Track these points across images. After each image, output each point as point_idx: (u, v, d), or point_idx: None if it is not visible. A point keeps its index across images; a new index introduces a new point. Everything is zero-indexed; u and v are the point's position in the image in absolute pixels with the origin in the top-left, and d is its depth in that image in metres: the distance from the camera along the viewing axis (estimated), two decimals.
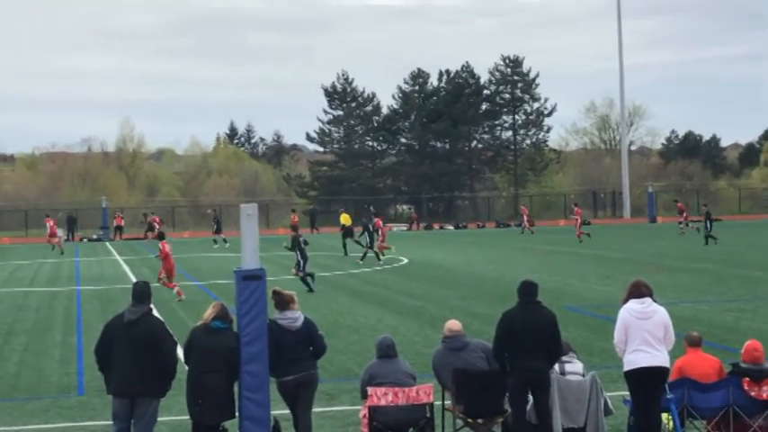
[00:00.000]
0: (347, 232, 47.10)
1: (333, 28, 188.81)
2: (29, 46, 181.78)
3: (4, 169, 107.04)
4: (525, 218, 65.49)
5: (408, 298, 27.73)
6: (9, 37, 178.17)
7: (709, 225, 47.76)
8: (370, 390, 11.33)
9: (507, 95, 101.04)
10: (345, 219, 48.23)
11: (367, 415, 11.29)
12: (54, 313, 26.33)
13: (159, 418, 11.45)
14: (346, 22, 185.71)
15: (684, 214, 58.50)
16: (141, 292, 11.38)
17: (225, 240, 55.08)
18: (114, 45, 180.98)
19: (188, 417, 11.38)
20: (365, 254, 41.56)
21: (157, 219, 65.12)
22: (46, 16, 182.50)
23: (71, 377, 17.26)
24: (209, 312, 11.41)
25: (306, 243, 30.41)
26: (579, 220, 56.41)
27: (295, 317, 11.77)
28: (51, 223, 56.67)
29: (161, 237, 30.19)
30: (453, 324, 12.26)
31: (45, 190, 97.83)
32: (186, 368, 11.33)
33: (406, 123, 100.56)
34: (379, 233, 42.10)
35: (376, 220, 43.00)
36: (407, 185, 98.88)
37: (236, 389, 11.27)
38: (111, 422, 11.35)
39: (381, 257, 41.27)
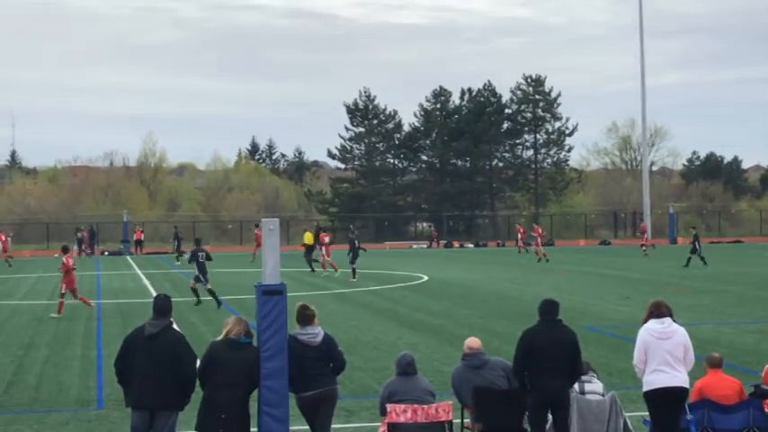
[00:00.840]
0: (308, 250, 47.56)
1: (355, 46, 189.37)
2: (53, 61, 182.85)
3: (26, 182, 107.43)
4: (520, 236, 65.88)
5: (428, 315, 27.69)
6: (33, 53, 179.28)
7: (698, 246, 47.75)
8: (389, 407, 11.32)
9: (529, 114, 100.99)
10: (308, 238, 48.70)
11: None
12: (74, 326, 26.39)
13: None
14: (369, 39, 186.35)
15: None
16: (162, 306, 11.41)
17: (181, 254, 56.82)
18: (138, 60, 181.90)
19: None
20: (354, 270, 42.00)
21: (86, 233, 65.13)
22: (70, 32, 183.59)
23: (91, 390, 17.30)
24: (230, 327, 11.39)
25: (209, 258, 31.23)
26: (540, 240, 56.80)
27: (315, 332, 11.78)
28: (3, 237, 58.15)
29: (65, 250, 30.16)
30: (473, 342, 12.24)
31: (67, 203, 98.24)
32: (199, 382, 11.30)
33: (428, 141, 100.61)
34: (324, 249, 44.31)
35: (322, 234, 45.36)
36: (428, 203, 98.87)
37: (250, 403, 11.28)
38: None
39: (317, 269, 43.72)
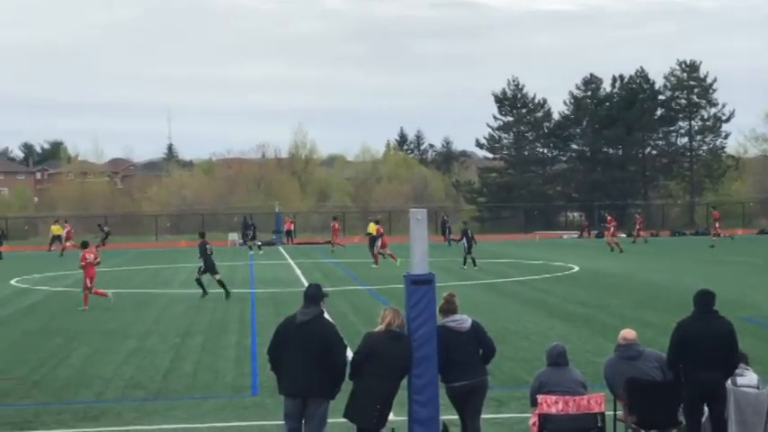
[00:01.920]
0: (372, 241, 47.52)
1: (503, 34, 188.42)
2: (206, 56, 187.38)
3: (182, 175, 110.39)
4: (638, 226, 64.86)
5: (579, 306, 27.35)
6: (185, 48, 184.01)
7: None
8: (539, 398, 11.21)
9: (683, 101, 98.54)
10: (372, 228, 48.58)
11: (537, 423, 11.17)
12: (229, 315, 26.97)
13: (330, 420, 11.54)
14: (517, 27, 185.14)
15: None
16: (313, 295, 11.52)
17: (259, 247, 58.26)
18: (287, 53, 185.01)
19: None
20: (465, 259, 42.36)
21: (69, 226, 65.55)
22: (220, 27, 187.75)
23: (245, 378, 17.64)
24: (389, 318, 11.39)
25: (211, 253, 31.77)
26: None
27: (463, 318, 11.79)
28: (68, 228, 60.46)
29: (84, 245, 30.57)
30: (628, 333, 12.01)
31: (221, 195, 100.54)
32: (350, 371, 11.37)
33: (578, 129, 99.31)
34: (380, 241, 44.73)
35: (377, 227, 45.57)
36: (578, 193, 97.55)
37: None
38: (283, 422, 11.54)
39: (375, 264, 43.57)
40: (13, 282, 38.71)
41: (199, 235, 34.70)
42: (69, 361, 19.67)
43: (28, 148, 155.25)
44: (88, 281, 28.98)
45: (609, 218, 57.20)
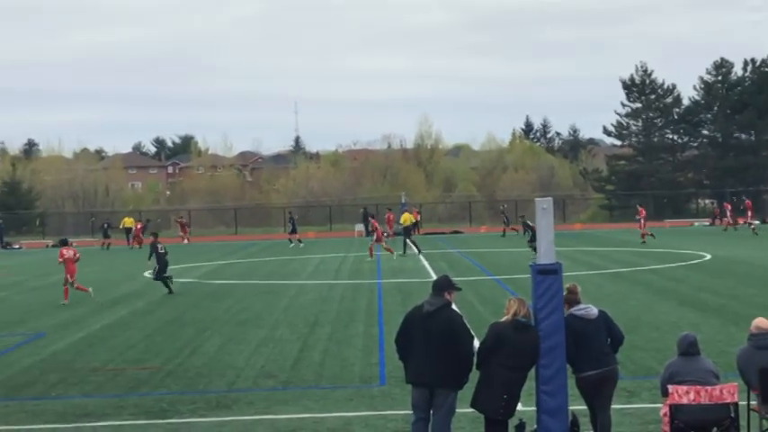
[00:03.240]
0: (407, 231, 47.02)
1: (631, 19, 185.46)
2: (329, 49, 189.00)
3: (309, 167, 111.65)
4: (729, 213, 62.77)
5: (711, 295, 26.79)
6: (311, 41, 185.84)
7: None
8: (671, 388, 11.03)
9: None
10: (406, 218, 48.08)
11: (668, 413, 11.01)
12: (356, 305, 27.18)
13: (458, 410, 11.56)
14: (645, 13, 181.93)
15: None
16: (440, 285, 11.53)
17: (300, 241, 58.25)
18: (411, 44, 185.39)
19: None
20: (534, 248, 41.63)
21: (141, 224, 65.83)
22: (345, 19, 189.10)
23: (373, 367, 17.75)
24: (516, 308, 11.34)
25: (165, 252, 31.91)
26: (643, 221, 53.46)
27: (589, 307, 11.71)
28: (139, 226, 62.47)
29: (63, 243, 31.79)
30: (762, 321, 11.72)
31: (348, 186, 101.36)
32: (477, 360, 11.36)
33: (709, 115, 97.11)
34: (375, 235, 45.09)
35: (372, 221, 46.14)
36: (710, 179, 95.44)
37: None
38: (411, 411, 11.60)
39: (370, 258, 43.73)
40: (146, 274, 39.72)
41: (151, 235, 35.38)
42: (202, 351, 20.10)
43: (160, 143, 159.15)
44: (68, 276, 29.91)
45: (640, 209, 55.30)
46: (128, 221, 67.94)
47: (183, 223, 71.34)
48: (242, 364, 18.45)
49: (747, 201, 65.19)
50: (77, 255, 30.74)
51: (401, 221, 48.98)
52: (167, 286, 31.43)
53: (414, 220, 48.34)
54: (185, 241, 65.88)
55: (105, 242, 63.43)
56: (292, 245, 57.31)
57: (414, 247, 46.78)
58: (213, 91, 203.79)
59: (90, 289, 30.31)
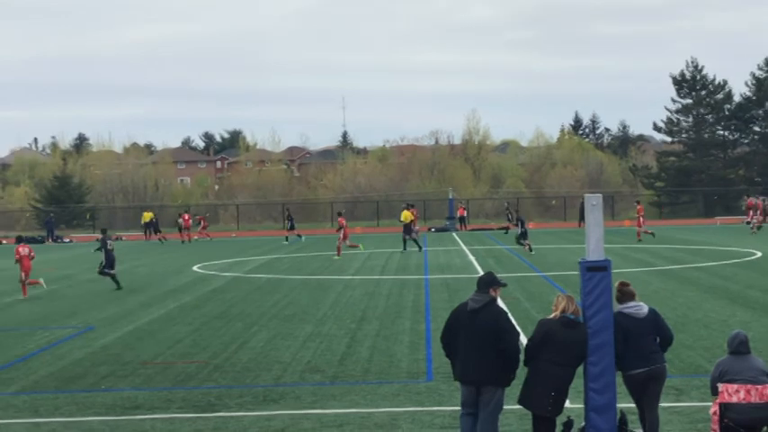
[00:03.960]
0: (406, 229, 47.25)
1: (681, 15, 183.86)
2: (377, 44, 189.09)
3: (356, 162, 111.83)
4: (760, 211, 61.41)
5: (762, 293, 26.47)
6: (358, 36, 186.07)
7: None
8: (720, 386, 10.95)
9: None
10: (405, 216, 47.69)
11: (717, 412, 10.92)
12: (403, 300, 27.18)
13: (506, 407, 11.53)
14: (696, 8, 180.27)
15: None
16: (486, 281, 11.50)
17: (299, 236, 59.25)
18: (459, 39, 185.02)
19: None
20: (529, 246, 43.25)
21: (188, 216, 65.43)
22: (392, 15, 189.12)
23: (420, 363, 17.74)
24: (564, 304, 11.31)
25: (112, 249, 32.61)
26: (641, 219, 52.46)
27: (640, 305, 11.63)
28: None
29: (18, 240, 33.45)
30: None
31: (395, 181, 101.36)
32: (524, 357, 11.36)
33: (760, 111, 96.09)
34: (342, 233, 45.00)
35: (339, 219, 46.13)
36: (762, 176, 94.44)
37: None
38: (458, 408, 11.57)
39: (337, 256, 43.96)
40: (195, 268, 39.99)
41: (100, 231, 35.89)
42: (250, 345, 20.20)
43: (208, 138, 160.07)
44: (23, 274, 30.85)
45: (639, 206, 54.02)
46: (147, 216, 68.69)
47: (201, 218, 71.54)
48: (289, 358, 18.51)
49: None
50: (32, 253, 31.91)
51: (401, 219, 48.76)
52: (115, 281, 32.09)
53: (413, 218, 48.24)
54: (196, 237, 64.96)
55: (160, 236, 64.29)
56: (287, 242, 57.76)
57: (416, 245, 46.98)
58: (261, 86, 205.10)
59: (41, 280, 31.58)
